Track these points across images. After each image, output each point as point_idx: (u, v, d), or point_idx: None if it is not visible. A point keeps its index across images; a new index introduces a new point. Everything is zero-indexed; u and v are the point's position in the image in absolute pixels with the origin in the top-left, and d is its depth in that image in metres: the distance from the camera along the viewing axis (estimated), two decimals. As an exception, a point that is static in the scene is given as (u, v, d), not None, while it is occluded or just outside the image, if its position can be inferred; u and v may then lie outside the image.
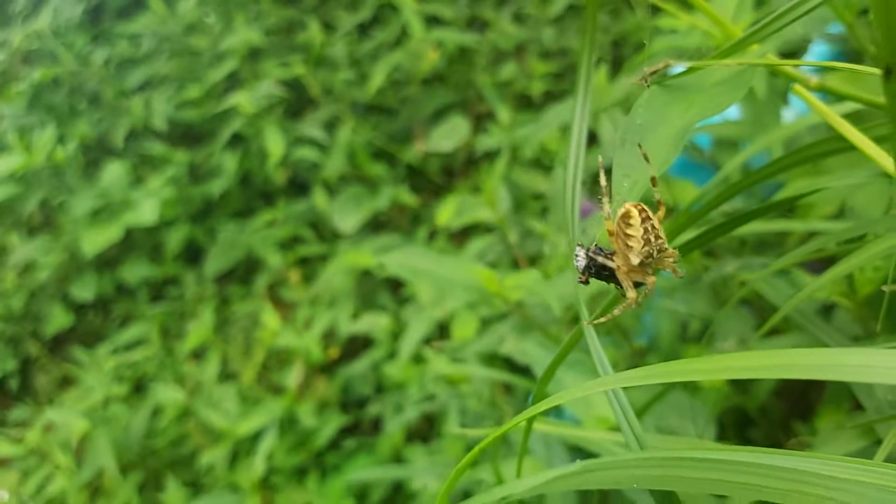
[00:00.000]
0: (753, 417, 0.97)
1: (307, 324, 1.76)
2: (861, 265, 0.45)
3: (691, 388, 0.89)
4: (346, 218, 1.86)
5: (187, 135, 2.22)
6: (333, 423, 1.60)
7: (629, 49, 1.99)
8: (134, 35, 2.30)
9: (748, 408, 0.94)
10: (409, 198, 1.93)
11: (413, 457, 1.42)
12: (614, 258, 0.44)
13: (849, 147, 0.43)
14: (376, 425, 1.65)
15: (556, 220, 1.24)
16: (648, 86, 0.46)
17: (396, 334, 1.63)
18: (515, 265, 1.39)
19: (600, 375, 0.44)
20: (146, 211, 1.90)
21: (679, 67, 0.46)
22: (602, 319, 0.45)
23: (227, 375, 1.80)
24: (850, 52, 1.09)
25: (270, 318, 1.72)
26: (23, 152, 1.98)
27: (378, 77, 1.98)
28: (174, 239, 1.98)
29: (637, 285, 0.44)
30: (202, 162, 2.10)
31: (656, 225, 0.42)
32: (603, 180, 0.43)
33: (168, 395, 1.72)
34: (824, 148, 0.43)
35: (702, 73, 0.43)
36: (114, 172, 2.00)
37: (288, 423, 1.61)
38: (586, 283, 0.45)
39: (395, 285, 1.80)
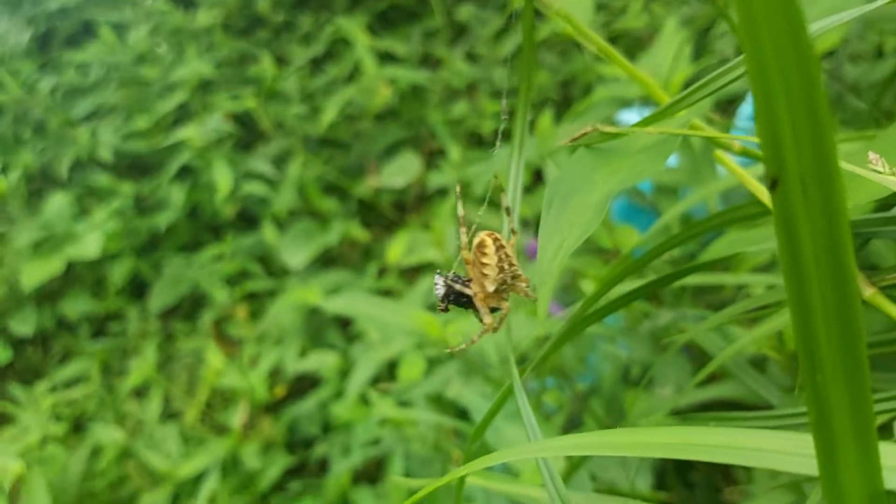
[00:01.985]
0: (694, 463, 0.97)
1: (253, 361, 1.73)
2: (788, 323, 0.46)
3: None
4: (296, 253, 1.84)
5: (134, 166, 2.19)
6: (279, 464, 1.57)
7: (577, 89, 2.03)
8: (82, 64, 2.27)
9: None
10: (360, 233, 1.93)
11: (360, 500, 1.39)
12: (471, 285, 0.45)
13: (762, 213, 0.44)
14: (323, 466, 1.62)
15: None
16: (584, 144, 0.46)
17: (345, 372, 1.60)
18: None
19: (527, 427, 0.44)
20: (89, 244, 1.85)
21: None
22: (463, 347, 0.48)
23: (169, 414, 1.76)
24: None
25: (214, 358, 1.69)
26: (-38, 182, 1.92)
27: (330, 112, 1.98)
28: (118, 273, 1.94)
29: (495, 310, 0.46)
30: (149, 194, 2.06)
31: (510, 252, 0.44)
32: (461, 211, 0.46)
33: (108, 435, 1.67)
34: (753, 210, 0.43)
35: (629, 139, 0.44)
36: (57, 204, 1.95)
37: (231, 465, 1.57)
38: (446, 310, 0.47)
39: (345, 322, 1.79)
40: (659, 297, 0.98)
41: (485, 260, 0.44)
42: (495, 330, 0.46)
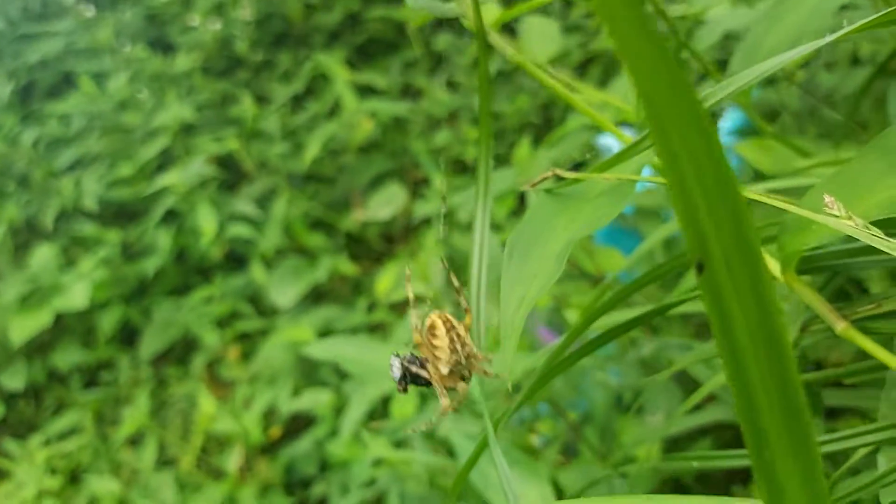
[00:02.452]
0: (690, 486, 0.97)
1: (247, 403, 1.71)
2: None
3: (627, 460, 0.88)
4: (285, 291, 1.84)
5: (120, 213, 2.18)
6: (277, 506, 1.55)
7: (558, 111, 2.04)
8: (64, 114, 2.27)
9: (683, 476, 0.94)
10: (348, 267, 1.92)
11: (359, 539, 1.37)
12: (427, 366, 0.44)
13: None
14: (322, 505, 1.61)
15: (487, 287, 1.24)
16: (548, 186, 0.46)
17: (339, 409, 1.59)
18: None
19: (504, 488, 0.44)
20: (77, 295, 1.84)
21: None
22: (423, 428, 0.49)
23: (164, 461, 1.74)
24: (764, 116, 1.13)
25: (207, 403, 1.67)
26: (-52, 239, 1.92)
27: (313, 148, 1.98)
28: (107, 321, 1.93)
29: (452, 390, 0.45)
30: (135, 240, 2.06)
31: (462, 333, 0.43)
32: (410, 294, 0.46)
33: (103, 486, 1.65)
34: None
35: (589, 183, 0.44)
36: (43, 256, 1.94)
37: (230, 510, 1.55)
38: (405, 391, 0.46)
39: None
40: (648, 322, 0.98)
41: (436, 343, 0.43)
42: (455, 410, 0.45)
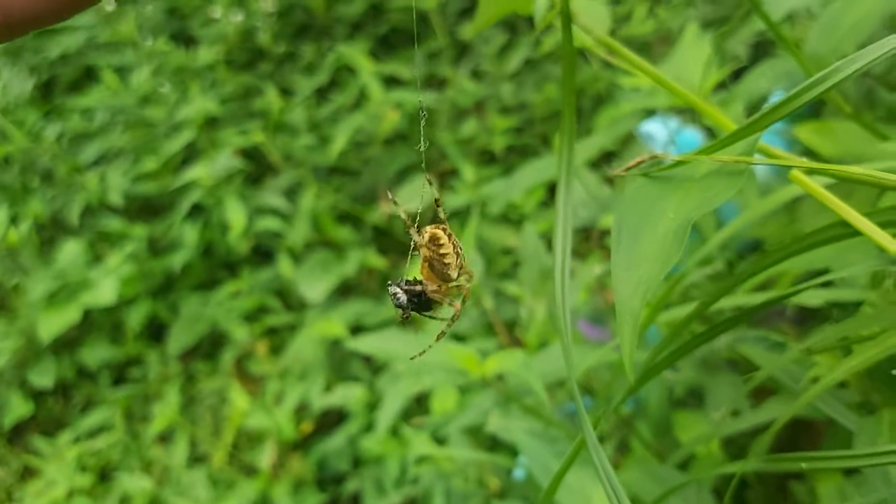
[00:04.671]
0: (749, 481, 0.94)
1: (278, 399, 1.69)
2: (879, 356, 0.43)
3: (687, 457, 0.85)
4: (314, 285, 1.81)
5: (145, 208, 2.17)
6: (310, 502, 1.53)
7: (587, 100, 2.00)
8: (87, 109, 2.26)
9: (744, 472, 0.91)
10: (376, 260, 1.90)
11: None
12: (426, 284, 0.48)
13: (847, 234, 0.41)
14: (355, 501, 1.59)
15: (529, 279, 1.21)
16: (634, 175, 0.43)
17: (372, 405, 1.57)
18: (490, 330, 1.35)
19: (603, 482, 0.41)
20: (105, 290, 1.83)
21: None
22: (441, 337, 0.50)
23: (196, 458, 1.72)
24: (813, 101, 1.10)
25: (239, 398, 1.65)
26: (-26, 236, 1.91)
27: (340, 141, 1.95)
28: (135, 317, 1.91)
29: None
30: (161, 235, 2.04)
31: (456, 239, 0.47)
32: (403, 215, 0.48)
33: (135, 483, 1.64)
34: (829, 234, 0.40)
35: (692, 164, 0.41)
36: (70, 251, 1.93)
37: (263, 507, 1.54)
38: (408, 318, 0.48)
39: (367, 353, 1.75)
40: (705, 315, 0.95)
41: (443, 250, 0.46)
42: (458, 313, 0.48)
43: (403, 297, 0.47)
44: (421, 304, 0.48)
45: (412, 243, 0.47)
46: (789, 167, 0.40)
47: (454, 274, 0.46)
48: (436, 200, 0.49)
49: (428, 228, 0.47)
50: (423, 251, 0.47)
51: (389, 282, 0.48)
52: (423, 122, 0.49)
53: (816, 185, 0.38)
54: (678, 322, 0.43)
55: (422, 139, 0.48)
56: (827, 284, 0.76)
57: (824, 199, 0.38)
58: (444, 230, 0.47)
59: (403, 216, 0.48)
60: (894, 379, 0.47)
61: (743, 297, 0.68)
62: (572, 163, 0.45)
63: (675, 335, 0.42)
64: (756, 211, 0.65)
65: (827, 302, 0.73)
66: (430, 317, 0.48)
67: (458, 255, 0.46)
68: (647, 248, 0.37)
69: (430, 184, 0.49)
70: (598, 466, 0.37)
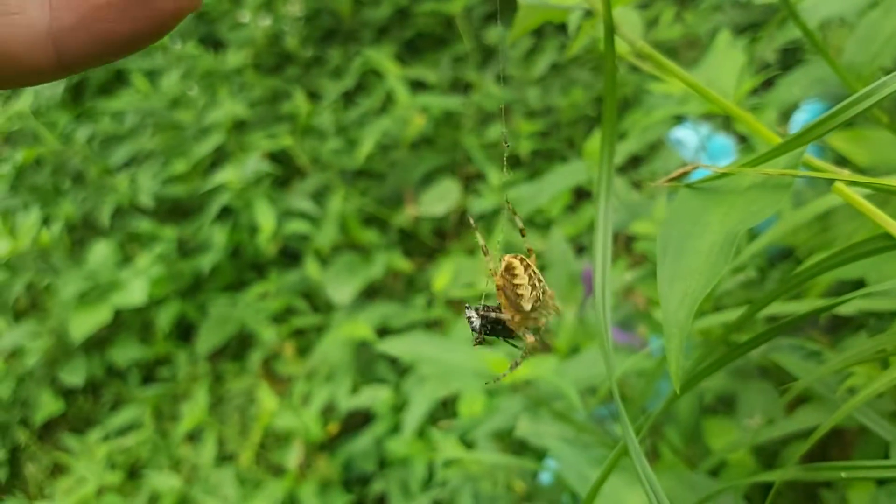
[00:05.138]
0: (780, 489, 0.93)
1: (305, 400, 1.71)
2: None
3: (718, 464, 0.86)
4: (341, 288, 1.83)
5: (175, 210, 2.20)
6: (337, 503, 1.55)
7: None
8: (117, 112, 2.29)
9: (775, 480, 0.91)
10: (403, 263, 1.91)
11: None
12: (504, 311, 0.46)
13: (891, 246, 0.41)
14: (381, 502, 1.60)
15: (556, 283, 1.22)
16: (674, 187, 0.44)
17: (398, 407, 1.58)
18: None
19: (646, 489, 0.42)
20: (135, 291, 1.86)
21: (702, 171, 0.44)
22: (511, 371, 0.49)
23: (224, 457, 1.75)
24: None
25: (267, 398, 1.67)
26: (7, 236, 1.94)
27: (367, 144, 1.97)
28: (164, 317, 1.94)
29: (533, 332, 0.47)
30: (190, 237, 2.07)
31: (536, 270, 0.46)
32: (481, 241, 0.47)
33: (164, 481, 1.66)
34: (869, 247, 0.41)
35: (735, 176, 0.41)
36: (100, 252, 1.96)
37: (290, 506, 1.55)
38: (482, 342, 0.47)
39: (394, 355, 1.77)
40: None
41: (517, 281, 0.45)
42: (538, 347, 0.47)
43: (477, 322, 0.47)
44: (495, 330, 0.47)
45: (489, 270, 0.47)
46: (831, 180, 0.40)
47: (527, 306, 0.45)
48: (521, 230, 0.48)
49: (506, 257, 0.46)
50: (497, 279, 0.47)
51: (467, 304, 0.48)
52: (504, 160, 0.49)
53: (860, 198, 0.39)
54: (716, 332, 0.43)
55: (504, 166, 0.48)
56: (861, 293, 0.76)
57: (868, 213, 0.38)
58: (521, 261, 0.45)
59: (481, 242, 0.48)
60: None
61: (778, 306, 0.68)
62: (612, 174, 0.46)
63: (715, 345, 0.42)
64: (792, 221, 0.65)
65: (861, 311, 0.73)
66: (510, 343, 0.48)
67: (533, 287, 0.45)
68: (692, 261, 0.38)
69: (523, 234, 0.49)
70: (641, 472, 0.38)
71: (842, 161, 0.87)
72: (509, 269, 0.45)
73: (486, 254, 0.47)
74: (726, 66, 0.92)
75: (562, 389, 0.76)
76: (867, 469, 0.43)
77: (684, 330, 0.35)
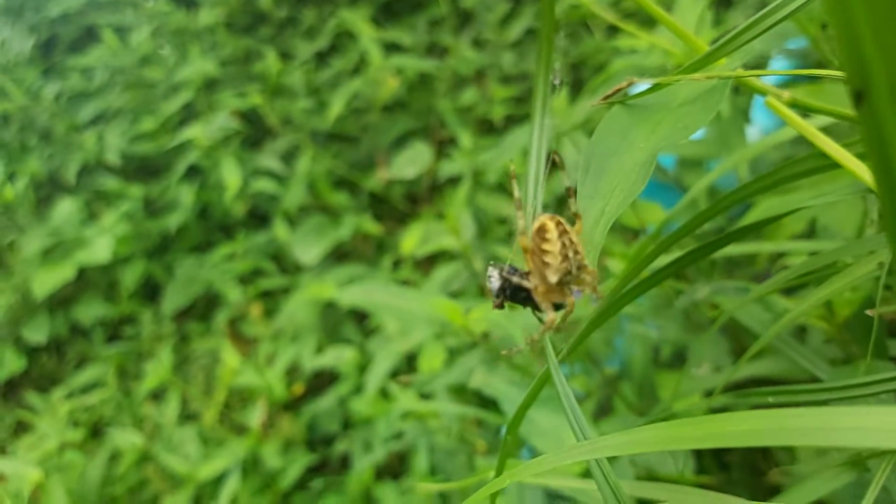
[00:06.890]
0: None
1: (270, 360, 1.70)
2: (841, 290, 0.43)
3: (668, 415, 0.86)
4: (308, 249, 1.82)
5: (142, 168, 2.17)
6: (300, 462, 1.54)
7: (589, 71, 1.99)
8: (86, 68, 2.25)
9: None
10: (372, 226, 1.90)
11: (384, 496, 1.36)
12: (530, 278, 0.40)
13: (824, 166, 0.41)
14: (345, 463, 1.60)
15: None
16: (611, 105, 0.43)
17: (363, 367, 1.58)
18: (482, 293, 1.36)
19: (572, 424, 0.41)
20: (100, 249, 1.83)
21: (642, 85, 0.43)
22: (521, 348, 0.42)
23: (187, 416, 1.74)
24: (812, 67, 1.09)
25: (231, 357, 1.66)
26: (-30, 192, 1.91)
27: (337, 105, 1.94)
28: (130, 276, 1.92)
29: (557, 307, 0.40)
30: (158, 196, 2.04)
31: (574, 239, 0.38)
32: (516, 193, 0.40)
33: (126, 439, 1.65)
34: (799, 168, 0.40)
35: (667, 92, 0.40)
36: (66, 209, 1.93)
37: (252, 465, 1.55)
38: (501, 306, 0.41)
39: (361, 317, 1.76)
40: (687, 275, 0.95)
41: (546, 247, 0.38)
42: (558, 329, 0.39)
43: (496, 283, 0.41)
44: (517, 297, 0.41)
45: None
46: (765, 95, 0.39)
47: (552, 278, 0.38)
48: (567, 190, 0.41)
49: (542, 216, 0.39)
50: (522, 240, 0.40)
51: (491, 262, 0.42)
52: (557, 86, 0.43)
53: (793, 114, 0.38)
54: (640, 255, 0.43)
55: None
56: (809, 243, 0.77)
57: (799, 127, 0.38)
58: (558, 224, 0.38)
59: (516, 194, 0.41)
60: (871, 326, 0.47)
61: (732, 249, 0.68)
62: (548, 93, 0.45)
63: (638, 268, 0.42)
64: (742, 155, 0.65)
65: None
66: (535, 314, 0.41)
67: (564, 257, 0.38)
68: (612, 179, 0.37)
69: (557, 163, 0.42)
70: (560, 388, 0.37)
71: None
72: (541, 231, 0.39)
73: (518, 209, 0.40)
74: (688, 21, 0.91)
75: (512, 335, 0.76)
76: (793, 394, 0.43)
77: (598, 248, 0.35)
